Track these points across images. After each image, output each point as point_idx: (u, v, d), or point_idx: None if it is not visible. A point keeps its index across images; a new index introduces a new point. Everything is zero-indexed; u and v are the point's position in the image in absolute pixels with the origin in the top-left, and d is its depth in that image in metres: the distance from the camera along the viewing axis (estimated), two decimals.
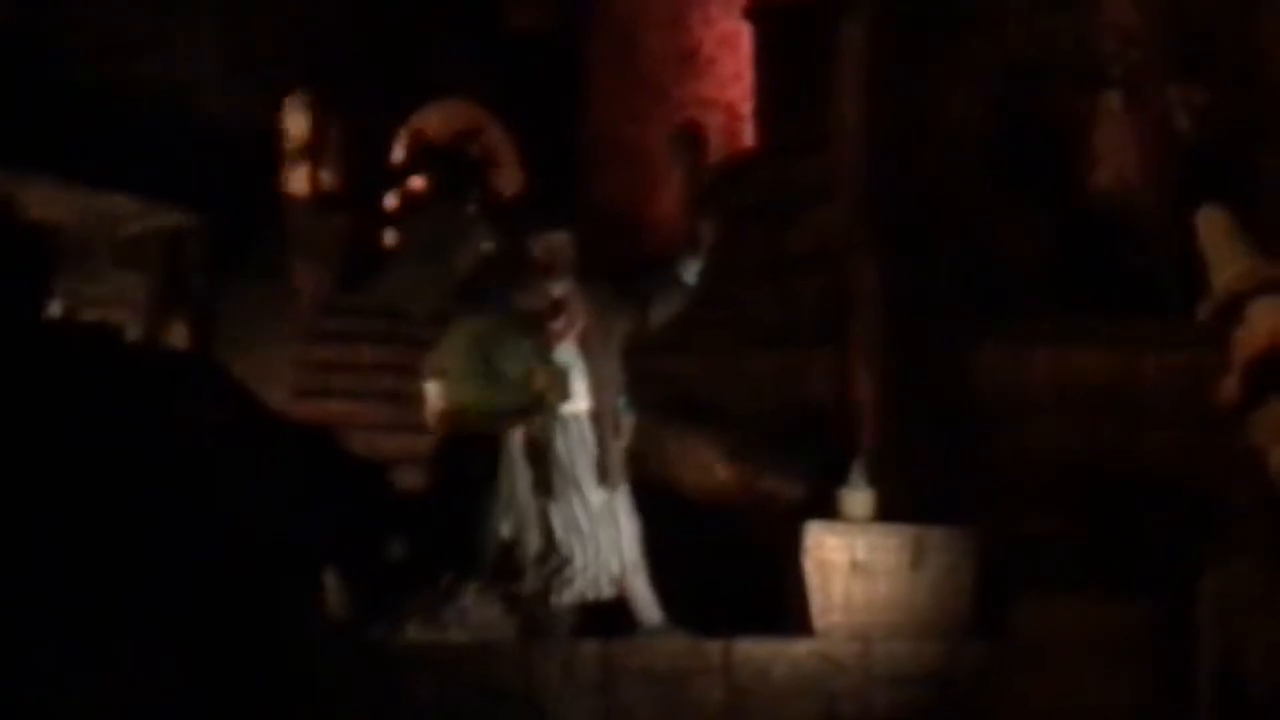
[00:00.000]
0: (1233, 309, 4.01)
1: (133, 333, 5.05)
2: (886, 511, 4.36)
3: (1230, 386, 3.95)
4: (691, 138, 4.79)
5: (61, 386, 4.04)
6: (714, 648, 4.20)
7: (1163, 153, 5.00)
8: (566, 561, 4.28)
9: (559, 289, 4.30)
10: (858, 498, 4.36)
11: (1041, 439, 4.53)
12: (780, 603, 4.37)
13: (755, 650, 4.19)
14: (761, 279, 5.31)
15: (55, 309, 4.67)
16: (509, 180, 5.32)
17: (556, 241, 4.32)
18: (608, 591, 4.29)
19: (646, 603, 4.36)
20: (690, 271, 4.34)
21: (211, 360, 4.66)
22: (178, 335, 4.86)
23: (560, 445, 4.23)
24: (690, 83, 6.26)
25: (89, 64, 5.46)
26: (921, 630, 4.23)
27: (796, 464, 4.60)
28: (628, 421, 4.35)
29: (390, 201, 5.75)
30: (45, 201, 4.70)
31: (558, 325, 4.31)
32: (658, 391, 4.79)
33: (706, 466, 4.74)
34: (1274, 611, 3.69)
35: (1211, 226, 4.15)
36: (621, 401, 4.35)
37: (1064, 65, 5.21)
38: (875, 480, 4.36)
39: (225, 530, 3.96)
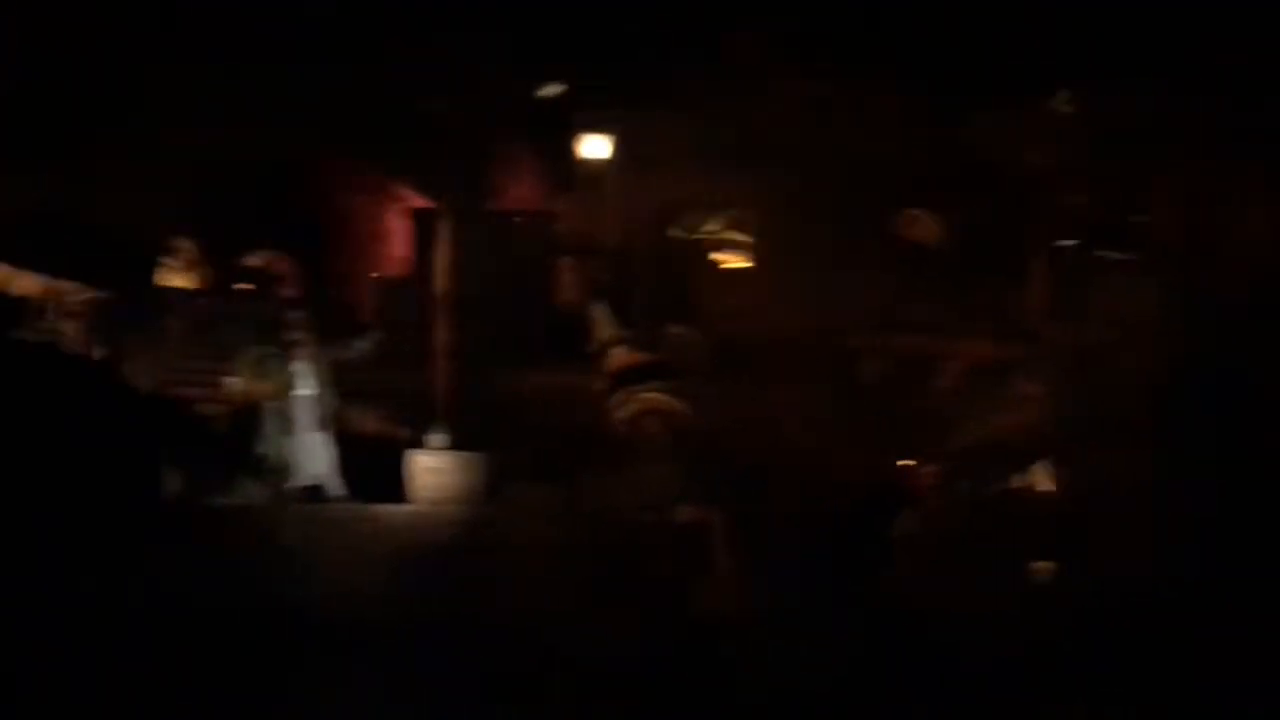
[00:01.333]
0: (603, 350, 8.56)
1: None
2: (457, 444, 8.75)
3: (600, 384, 8.44)
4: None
5: (40, 372, 8.11)
6: (364, 509, 8.44)
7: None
8: (295, 466, 8.51)
9: (298, 336, 8.69)
10: (436, 438, 8.70)
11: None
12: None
13: (380, 511, 8.44)
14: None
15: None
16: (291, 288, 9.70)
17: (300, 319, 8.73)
18: (315, 481, 8.55)
19: (337, 487, 8.65)
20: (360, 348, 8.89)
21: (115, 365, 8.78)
22: (98, 353, 8.93)
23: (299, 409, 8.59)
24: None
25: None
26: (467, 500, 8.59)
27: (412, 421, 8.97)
28: (330, 398, 8.68)
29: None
30: (26, 283, 8.73)
31: (300, 352, 8.71)
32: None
33: (368, 423, 9.05)
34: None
35: (596, 309, 8.73)
36: (330, 391, 8.75)
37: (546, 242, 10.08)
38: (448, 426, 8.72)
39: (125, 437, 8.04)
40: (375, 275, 10.94)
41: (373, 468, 8.83)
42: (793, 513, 8.89)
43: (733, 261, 10.67)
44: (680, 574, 7.80)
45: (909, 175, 10.69)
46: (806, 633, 8.05)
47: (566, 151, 10.26)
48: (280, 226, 10.07)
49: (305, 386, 8.88)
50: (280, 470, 8.63)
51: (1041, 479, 9.89)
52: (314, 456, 8.79)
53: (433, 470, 8.71)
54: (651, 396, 8.49)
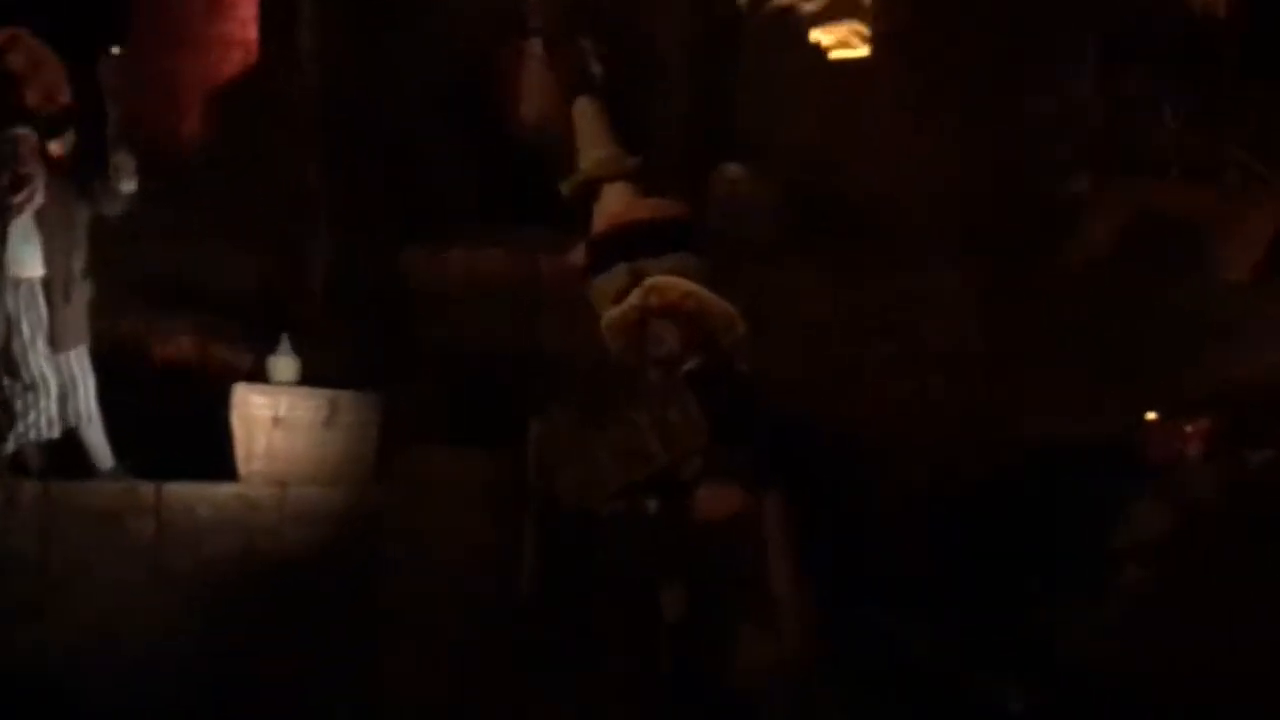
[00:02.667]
0: (591, 188, 4.62)
1: None
2: (310, 378, 4.96)
3: (579, 254, 4.53)
4: (116, 62, 5.21)
5: None
6: (148, 489, 4.82)
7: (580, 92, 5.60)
8: (12, 412, 4.84)
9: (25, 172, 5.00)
10: (282, 364, 4.98)
11: (454, 325, 5.17)
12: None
13: (183, 492, 4.80)
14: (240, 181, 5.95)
15: None
16: (56, 89, 5.75)
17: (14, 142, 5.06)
18: (49, 434, 4.93)
19: (100, 450, 5.07)
20: (121, 184, 4.99)
21: None
22: None
23: (10, 304, 4.90)
24: (218, 23, 6.88)
25: None
26: (332, 477, 4.91)
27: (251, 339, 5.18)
28: (84, 289, 4.97)
29: None
30: None
31: (16, 199, 4.98)
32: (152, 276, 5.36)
33: (172, 340, 5.30)
34: (583, 455, 4.23)
35: (584, 114, 4.72)
36: (79, 270, 4.97)
37: (494, 15, 6.06)
38: (301, 351, 4.93)
39: None
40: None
41: (179, 418, 4.96)
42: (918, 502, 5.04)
43: (840, 50, 6.63)
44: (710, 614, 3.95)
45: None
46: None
47: None
48: None
49: (28, 265, 5.00)
50: None
51: None
52: (47, 392, 4.91)
53: (275, 421, 4.81)
54: (670, 282, 4.36)
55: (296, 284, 5.48)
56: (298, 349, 5.03)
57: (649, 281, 4.23)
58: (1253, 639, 4.97)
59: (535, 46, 6.35)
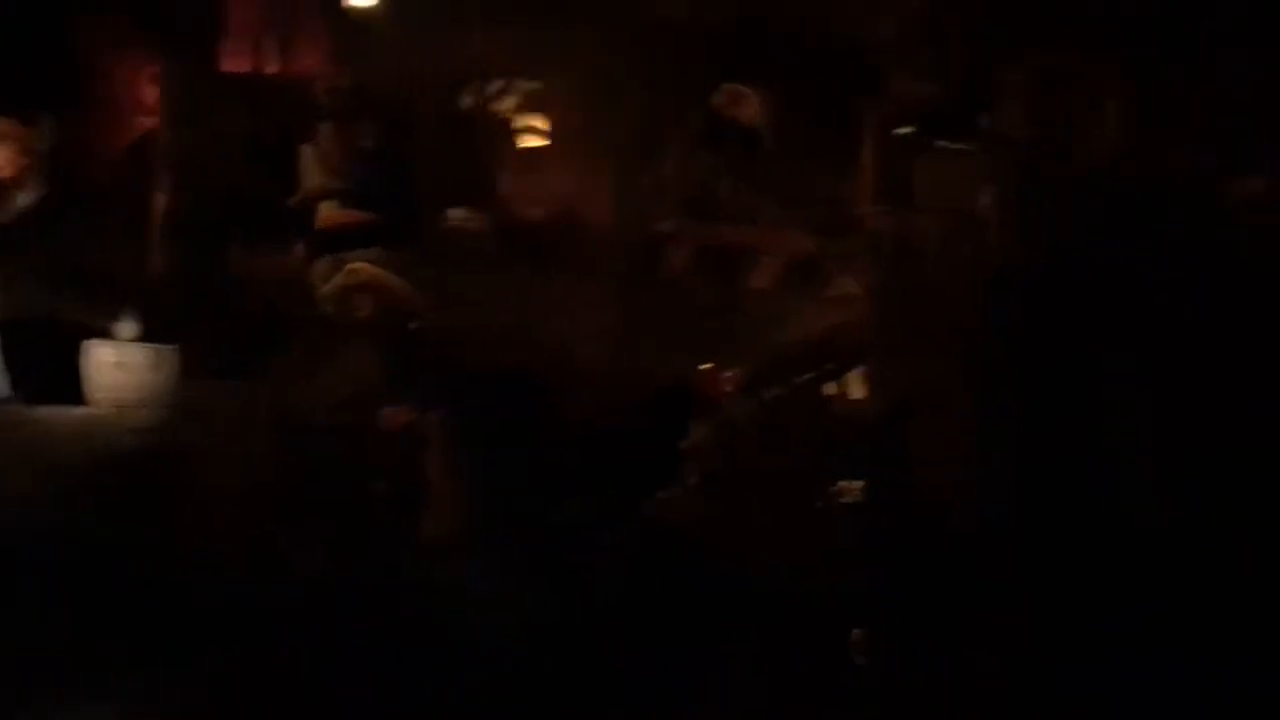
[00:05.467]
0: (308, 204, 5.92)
1: None
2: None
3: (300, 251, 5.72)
4: None
5: None
6: (21, 412, 5.75)
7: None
8: None
9: None
10: (125, 327, 5.98)
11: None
12: None
13: (42, 414, 5.74)
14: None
15: None
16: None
17: None
18: None
19: None
20: None
21: None
22: None
23: None
24: None
25: None
26: (152, 404, 5.86)
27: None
28: None
29: None
30: None
31: None
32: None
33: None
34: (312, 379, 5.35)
35: (305, 156, 5.94)
36: None
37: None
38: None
39: None
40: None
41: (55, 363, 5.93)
42: (555, 420, 6.30)
43: (531, 139, 7.97)
44: (381, 490, 5.18)
45: (730, 46, 7.98)
46: (549, 560, 5.47)
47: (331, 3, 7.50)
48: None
49: None
50: None
51: (856, 386, 7.33)
52: None
53: (115, 366, 5.81)
54: (363, 268, 5.58)
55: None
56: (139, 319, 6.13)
57: (348, 267, 5.43)
58: (772, 516, 6.36)
59: (327, 127, 7.31)
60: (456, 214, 7.55)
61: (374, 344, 5.23)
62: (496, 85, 7.73)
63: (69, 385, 5.81)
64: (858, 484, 6.38)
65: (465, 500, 5.14)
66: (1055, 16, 8.22)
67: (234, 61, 7.37)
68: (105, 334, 6.01)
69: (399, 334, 5.19)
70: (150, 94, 7.52)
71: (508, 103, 7.71)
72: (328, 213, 6.33)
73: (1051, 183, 7.95)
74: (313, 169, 6.64)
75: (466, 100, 7.72)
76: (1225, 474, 5.30)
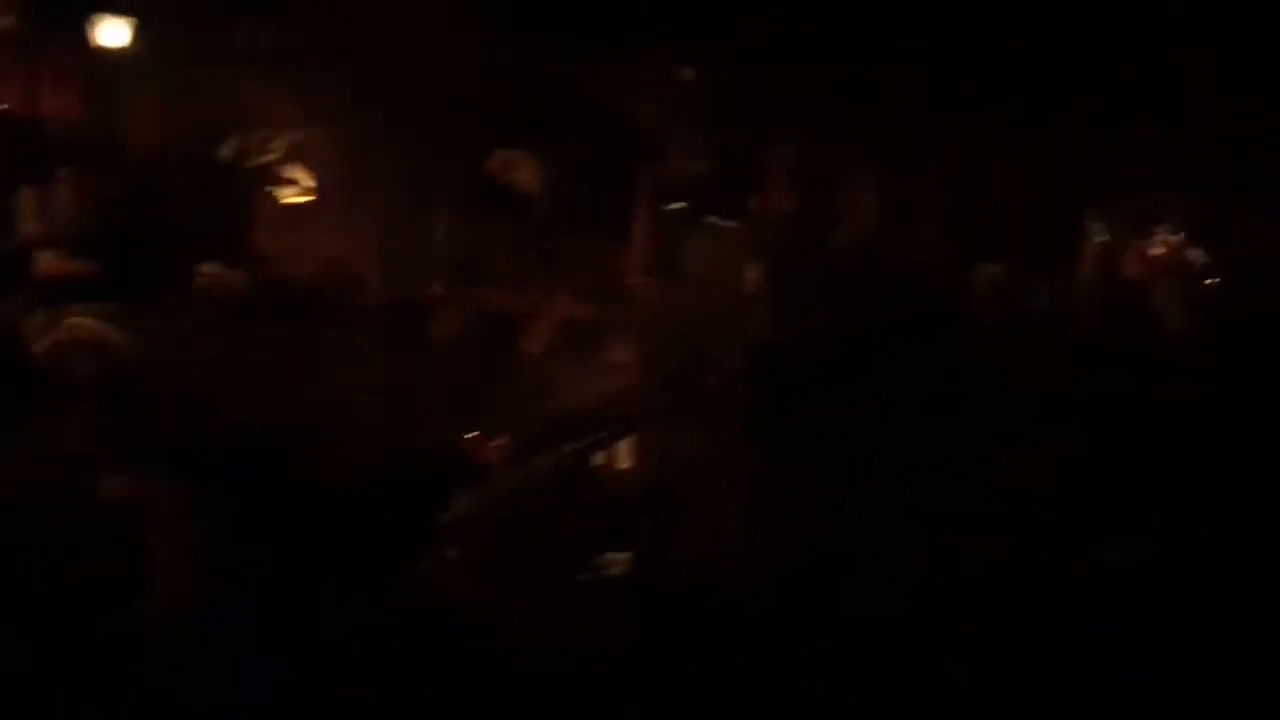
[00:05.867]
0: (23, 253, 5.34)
1: None
2: None
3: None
4: None
5: None
6: None
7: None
8: None
9: None
10: None
11: None
12: None
13: None
14: None
15: None
16: None
17: None
18: None
19: None
20: None
21: None
22: None
23: None
24: None
25: None
26: None
27: None
28: None
29: None
30: None
31: None
32: None
33: None
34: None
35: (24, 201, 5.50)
36: None
37: None
38: None
39: None
40: None
41: None
42: (307, 488, 5.79)
43: (294, 194, 7.51)
44: (106, 565, 4.55)
45: (506, 113, 7.77)
46: (288, 636, 4.93)
47: (79, 41, 6.91)
48: None
49: None
50: None
51: (625, 456, 7.11)
52: None
53: None
54: (84, 323, 4.70)
55: None
56: None
57: (67, 321, 4.82)
58: (535, 589, 6.01)
59: (65, 173, 6.53)
60: (210, 269, 7.00)
61: (95, 407, 4.63)
62: (259, 137, 7.29)
63: None
64: (624, 556, 6.22)
65: (196, 577, 4.59)
66: (815, 109, 8.50)
67: None
68: None
69: (124, 397, 4.60)
70: None
71: (271, 155, 7.25)
72: (48, 262, 5.73)
73: (812, 260, 8.15)
74: (32, 215, 6.01)
75: (226, 151, 7.23)
76: (981, 536, 5.39)
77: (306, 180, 7.40)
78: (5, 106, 6.87)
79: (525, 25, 7.39)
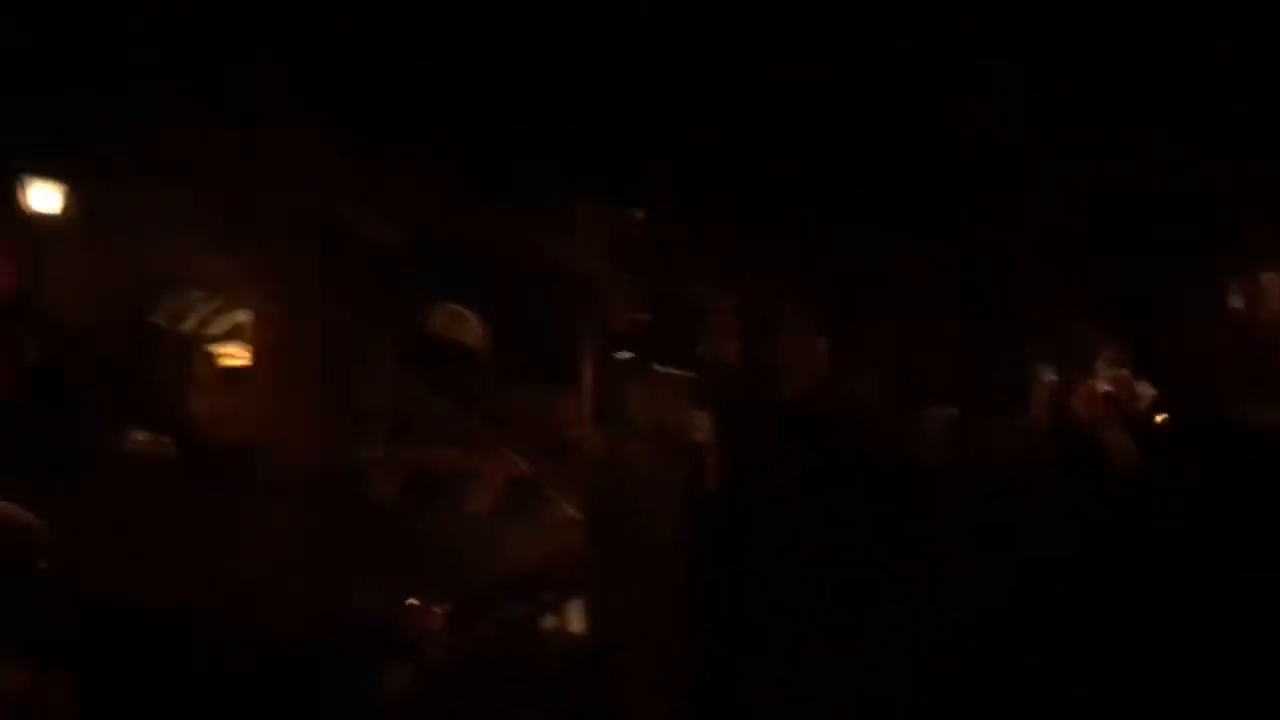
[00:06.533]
0: None
1: None
2: None
3: None
4: None
5: None
6: None
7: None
8: None
9: None
10: None
11: None
12: None
13: None
14: None
15: None
16: None
17: None
18: None
19: None
20: None
21: None
22: None
23: None
24: None
25: None
26: None
27: None
28: None
29: None
30: None
31: None
32: None
33: None
34: None
35: None
36: None
37: None
38: None
39: None
40: None
41: None
42: (227, 665, 5.53)
43: (230, 358, 7.43)
44: None
45: (442, 266, 7.76)
46: None
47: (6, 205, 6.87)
48: None
49: None
50: None
51: (575, 617, 6.89)
52: None
53: None
54: None
55: None
56: None
57: None
58: None
59: None
60: (140, 435, 6.84)
61: None
62: (193, 300, 7.23)
63: None
64: None
65: None
66: (760, 255, 8.58)
67: None
68: None
69: (21, 577, 4.37)
70: None
71: (205, 318, 7.18)
72: None
73: (761, 408, 8.11)
74: None
75: (162, 318, 7.16)
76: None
77: (242, 342, 7.37)
78: None
79: (461, 174, 7.49)
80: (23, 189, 7.04)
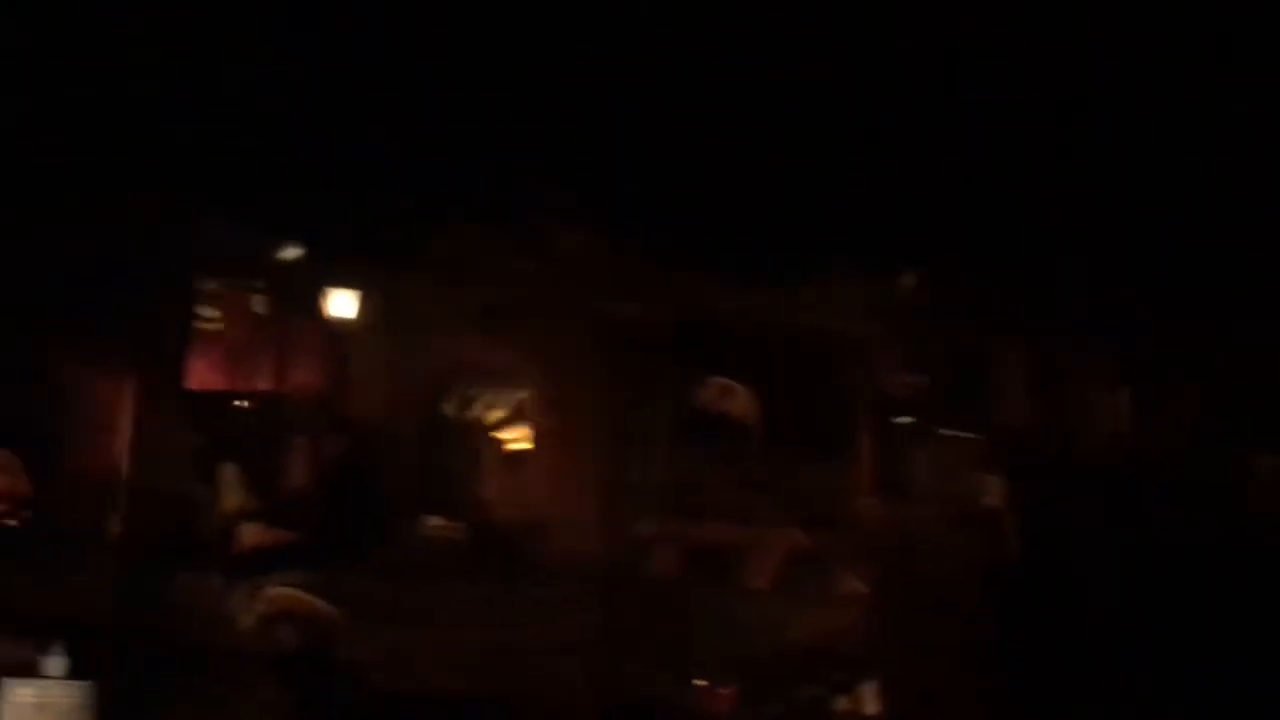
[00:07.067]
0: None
1: None
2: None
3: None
4: None
5: None
6: None
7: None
8: None
9: None
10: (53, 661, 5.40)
11: None
12: None
13: None
14: None
15: None
16: None
17: None
18: None
19: None
20: None
21: None
22: None
23: None
24: None
25: None
26: None
27: None
28: None
29: None
30: None
31: None
32: None
33: None
34: None
35: (224, 476, 5.73)
36: None
37: None
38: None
39: None
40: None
41: None
42: None
43: (516, 442, 7.64)
44: None
45: (714, 343, 7.75)
46: None
47: (311, 316, 7.41)
48: None
49: None
50: None
51: (869, 699, 6.58)
52: None
53: (35, 709, 5.04)
54: (283, 594, 5.02)
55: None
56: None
57: (267, 594, 4.89)
58: None
59: (300, 442, 6.91)
60: (433, 522, 7.16)
61: (291, 678, 4.59)
62: (480, 389, 7.56)
63: None
64: None
65: None
66: (1048, 307, 8.08)
67: (205, 379, 7.29)
68: (29, 670, 5.54)
69: (321, 664, 4.59)
70: (123, 415, 7.34)
71: (494, 412, 7.49)
72: (250, 534, 5.86)
73: (1059, 470, 7.55)
74: (232, 489, 6.20)
75: (451, 408, 7.53)
76: None
77: (523, 427, 7.64)
78: (255, 388, 7.47)
79: (723, 250, 7.50)
80: (323, 296, 7.71)
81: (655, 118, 7.62)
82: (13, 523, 6.29)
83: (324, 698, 4.66)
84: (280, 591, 5.05)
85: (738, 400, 7.71)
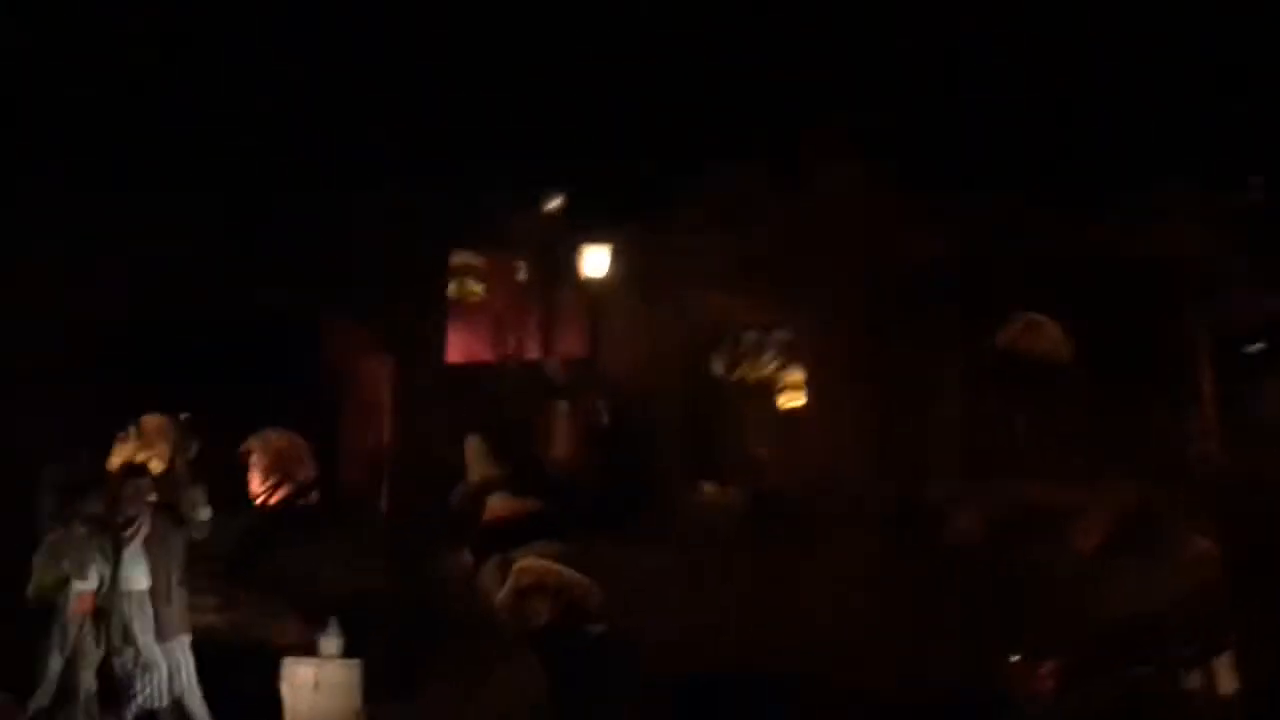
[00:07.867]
0: (475, 498, 5.39)
1: None
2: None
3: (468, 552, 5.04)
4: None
5: None
6: None
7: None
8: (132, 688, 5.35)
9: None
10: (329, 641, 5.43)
11: None
12: None
13: None
14: None
15: None
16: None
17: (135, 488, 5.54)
18: (162, 703, 5.35)
19: (200, 714, 5.44)
20: (196, 514, 5.48)
21: None
22: None
23: (125, 609, 5.35)
24: None
25: None
26: None
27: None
28: (180, 594, 5.48)
29: None
30: None
31: (126, 533, 5.45)
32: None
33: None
34: None
35: (471, 447, 5.34)
36: (176, 580, 5.50)
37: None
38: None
39: None
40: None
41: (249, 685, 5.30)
42: None
43: (788, 399, 7.08)
44: None
45: (1011, 273, 6.89)
46: None
47: (571, 281, 7.11)
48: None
49: (137, 580, 5.43)
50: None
51: (1225, 675, 5.61)
52: (155, 672, 5.27)
53: (313, 689, 5.19)
54: (535, 565, 4.47)
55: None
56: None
57: (517, 566, 4.61)
58: None
59: (562, 407, 6.98)
60: (710, 487, 6.78)
61: (545, 656, 4.32)
62: (747, 343, 7.11)
63: (266, 707, 5.40)
64: None
65: None
66: None
67: (470, 351, 7.24)
68: (308, 649, 5.56)
69: (577, 641, 4.29)
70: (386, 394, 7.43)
71: (764, 362, 7.02)
72: (496, 504, 5.64)
73: None
74: (479, 460, 5.99)
75: (718, 366, 7.12)
76: None
77: (799, 382, 7.12)
78: (520, 356, 7.41)
79: (1020, 173, 6.68)
80: (580, 259, 7.53)
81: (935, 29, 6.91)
82: (304, 505, 6.54)
83: (584, 672, 4.40)
84: (532, 563, 4.84)
85: (1045, 336, 6.86)
